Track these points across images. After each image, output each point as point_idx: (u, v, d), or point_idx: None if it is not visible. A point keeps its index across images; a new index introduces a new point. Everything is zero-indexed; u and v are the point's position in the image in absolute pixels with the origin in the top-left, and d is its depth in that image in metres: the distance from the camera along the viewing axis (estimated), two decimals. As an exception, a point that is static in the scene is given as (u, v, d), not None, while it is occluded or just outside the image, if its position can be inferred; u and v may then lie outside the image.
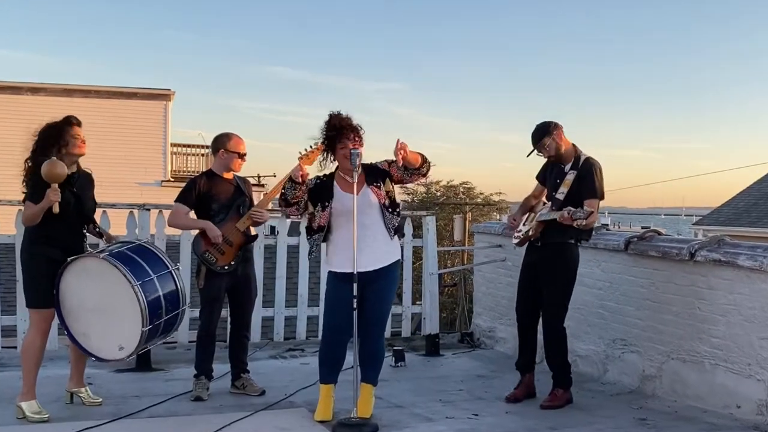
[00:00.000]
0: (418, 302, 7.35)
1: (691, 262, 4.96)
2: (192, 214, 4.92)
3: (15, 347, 5.62)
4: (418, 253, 7.38)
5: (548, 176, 5.08)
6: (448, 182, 29.48)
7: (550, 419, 4.62)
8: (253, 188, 5.26)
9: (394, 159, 4.29)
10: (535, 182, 5.25)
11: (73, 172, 4.47)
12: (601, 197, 4.89)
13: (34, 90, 21.38)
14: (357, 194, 4.28)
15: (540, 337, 5.05)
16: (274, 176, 21.08)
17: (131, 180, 20.52)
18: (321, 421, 4.38)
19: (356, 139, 4.37)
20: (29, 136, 4.40)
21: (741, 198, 23.16)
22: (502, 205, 27.70)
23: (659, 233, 5.56)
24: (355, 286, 4.24)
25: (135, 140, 21.52)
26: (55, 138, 4.35)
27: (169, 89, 22.78)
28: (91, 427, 4.16)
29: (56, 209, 4.23)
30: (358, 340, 4.32)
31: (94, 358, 4.51)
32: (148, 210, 6.15)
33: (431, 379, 5.73)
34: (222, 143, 4.91)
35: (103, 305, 4.31)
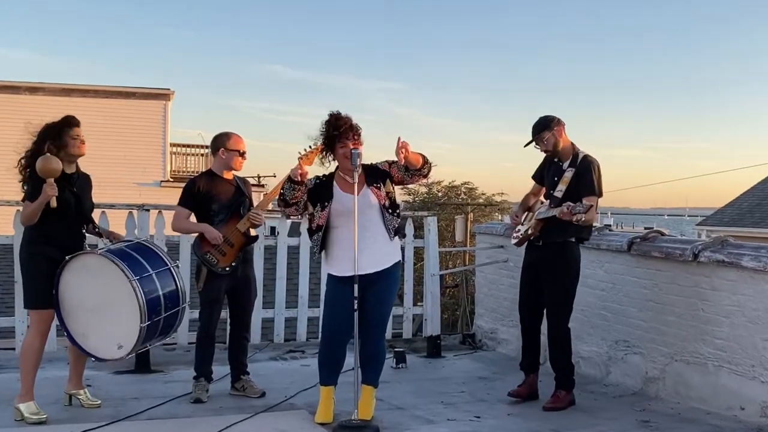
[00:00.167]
0: (419, 303, 7.31)
1: (694, 263, 4.93)
2: (193, 217, 4.89)
3: (13, 348, 5.61)
4: (419, 254, 7.34)
5: (546, 174, 5.06)
6: (450, 182, 29.46)
7: (552, 421, 4.59)
8: (253, 188, 5.23)
9: (395, 159, 4.26)
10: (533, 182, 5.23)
11: (73, 172, 4.45)
12: (600, 195, 4.87)
13: (33, 89, 21.33)
14: (357, 195, 4.25)
15: (544, 338, 5.02)
16: (274, 176, 21.08)
17: (130, 180, 20.47)
18: (321, 423, 4.35)
19: (356, 138, 4.35)
20: (28, 136, 4.38)
21: (745, 198, 23.14)
22: (504, 206, 27.63)
23: (662, 234, 5.54)
24: (356, 287, 4.21)
25: (134, 140, 21.48)
26: (54, 138, 4.33)
27: (169, 89, 22.76)
28: (90, 430, 4.14)
29: (54, 203, 4.20)
30: (359, 342, 4.29)
31: (93, 358, 4.49)
32: (148, 210, 6.11)
33: (432, 380, 5.70)
34: (222, 142, 4.88)
35: (102, 303, 4.28)
